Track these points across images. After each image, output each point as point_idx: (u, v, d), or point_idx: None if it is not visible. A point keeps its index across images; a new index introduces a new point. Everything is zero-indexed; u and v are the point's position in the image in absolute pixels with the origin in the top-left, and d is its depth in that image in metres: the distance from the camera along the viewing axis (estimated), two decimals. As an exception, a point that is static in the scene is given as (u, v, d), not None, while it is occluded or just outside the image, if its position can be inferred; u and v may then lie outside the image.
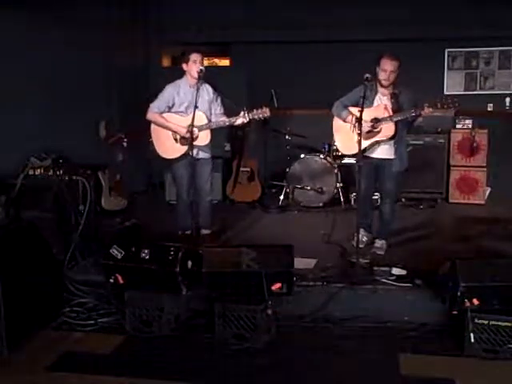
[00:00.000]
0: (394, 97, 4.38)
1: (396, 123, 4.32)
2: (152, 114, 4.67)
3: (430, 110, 4.12)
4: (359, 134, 4.06)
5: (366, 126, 4.30)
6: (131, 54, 7.35)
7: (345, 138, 4.59)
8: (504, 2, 6.63)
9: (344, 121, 4.54)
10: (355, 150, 4.21)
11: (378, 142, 4.46)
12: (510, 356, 3.28)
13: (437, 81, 7.35)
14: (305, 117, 7.29)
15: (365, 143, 4.33)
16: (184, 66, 4.58)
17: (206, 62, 4.73)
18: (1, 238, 3.52)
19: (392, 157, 4.51)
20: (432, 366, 3.25)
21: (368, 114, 4.30)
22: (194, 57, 4.52)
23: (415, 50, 7.08)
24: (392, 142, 4.45)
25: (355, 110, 4.39)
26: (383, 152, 4.51)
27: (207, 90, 4.71)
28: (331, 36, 7.22)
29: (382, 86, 4.41)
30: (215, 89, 4.78)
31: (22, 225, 3.86)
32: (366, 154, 4.45)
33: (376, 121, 4.37)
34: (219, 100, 4.78)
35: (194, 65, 4.50)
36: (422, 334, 3.61)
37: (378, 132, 4.40)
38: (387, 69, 4.30)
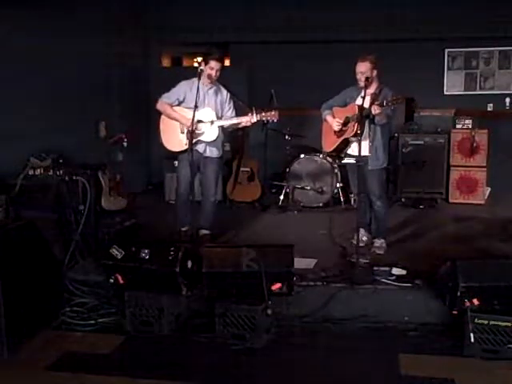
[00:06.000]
0: (373, 96, 4.44)
1: (360, 122, 4.33)
2: (161, 103, 4.75)
3: (377, 108, 4.23)
4: (343, 132, 4.41)
5: (336, 126, 4.63)
6: (131, 54, 7.35)
7: (326, 137, 4.87)
8: (504, 2, 6.63)
9: (325, 120, 4.80)
10: (331, 148, 4.74)
11: (347, 140, 4.58)
12: (510, 356, 3.28)
13: (437, 81, 7.36)
14: (305, 117, 7.29)
15: (337, 142, 4.65)
16: (202, 65, 4.67)
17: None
18: (1, 238, 3.52)
19: (368, 154, 4.54)
20: (432, 365, 3.25)
21: (343, 114, 4.58)
22: (213, 64, 4.61)
23: (415, 50, 7.09)
24: (367, 140, 4.48)
25: (338, 110, 4.69)
26: (364, 150, 4.50)
27: (221, 93, 4.79)
28: (331, 36, 7.23)
29: (360, 86, 4.48)
30: (231, 92, 4.87)
31: (22, 225, 3.86)
32: (349, 152, 4.63)
33: (347, 120, 4.54)
34: (231, 103, 4.85)
35: (210, 70, 4.60)
36: (422, 333, 3.61)
37: (346, 130, 4.55)
38: (358, 70, 4.46)
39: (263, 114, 4.57)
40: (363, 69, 4.43)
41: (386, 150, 4.64)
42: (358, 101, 4.39)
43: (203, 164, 4.75)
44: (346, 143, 4.61)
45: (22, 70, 4.90)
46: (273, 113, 4.59)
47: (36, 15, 5.09)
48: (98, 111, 6.15)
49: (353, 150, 4.56)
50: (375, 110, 4.24)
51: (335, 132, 4.66)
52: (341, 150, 4.70)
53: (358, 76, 4.46)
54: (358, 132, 4.24)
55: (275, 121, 4.71)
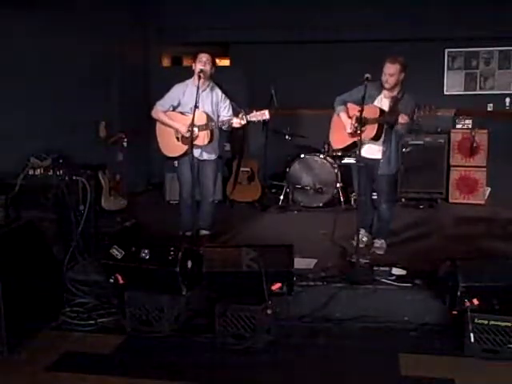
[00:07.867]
0: (394, 100, 4.38)
1: (380, 126, 4.30)
2: (155, 111, 4.73)
3: (405, 118, 4.15)
4: (357, 134, 4.17)
5: (351, 125, 4.44)
6: (131, 54, 7.35)
7: (336, 133, 4.72)
8: (504, 2, 6.63)
9: (338, 115, 4.64)
10: (341, 146, 4.63)
11: (360, 142, 4.44)
12: (510, 356, 3.28)
13: (437, 81, 7.35)
14: (305, 117, 7.30)
15: (348, 141, 4.52)
16: (193, 65, 4.62)
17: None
18: (1, 238, 3.52)
19: (381, 158, 4.50)
20: (432, 365, 3.25)
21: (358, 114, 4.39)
22: (200, 57, 4.55)
23: (415, 50, 7.07)
24: (380, 143, 4.44)
25: (353, 108, 4.47)
26: (374, 152, 4.51)
27: (215, 93, 4.72)
28: (331, 36, 7.22)
29: (384, 87, 4.40)
30: (226, 93, 4.80)
31: (22, 225, 3.86)
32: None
33: (363, 121, 4.35)
34: (227, 103, 4.76)
35: (201, 64, 4.53)
36: (422, 333, 3.62)
37: (362, 132, 4.37)
38: (386, 72, 4.32)
39: (253, 114, 4.47)
40: (392, 71, 4.27)
41: (397, 154, 4.57)
42: (377, 102, 4.33)
43: (201, 166, 4.71)
44: (355, 144, 4.46)
45: (21, 70, 4.90)
46: (263, 112, 4.44)
47: (36, 15, 5.09)
48: (98, 111, 6.16)
49: (365, 151, 4.45)
50: (403, 119, 4.12)
51: (357, 132, 4.34)
52: (350, 150, 4.62)
53: (386, 77, 4.30)
54: (373, 136, 4.19)
55: (267, 120, 4.57)
